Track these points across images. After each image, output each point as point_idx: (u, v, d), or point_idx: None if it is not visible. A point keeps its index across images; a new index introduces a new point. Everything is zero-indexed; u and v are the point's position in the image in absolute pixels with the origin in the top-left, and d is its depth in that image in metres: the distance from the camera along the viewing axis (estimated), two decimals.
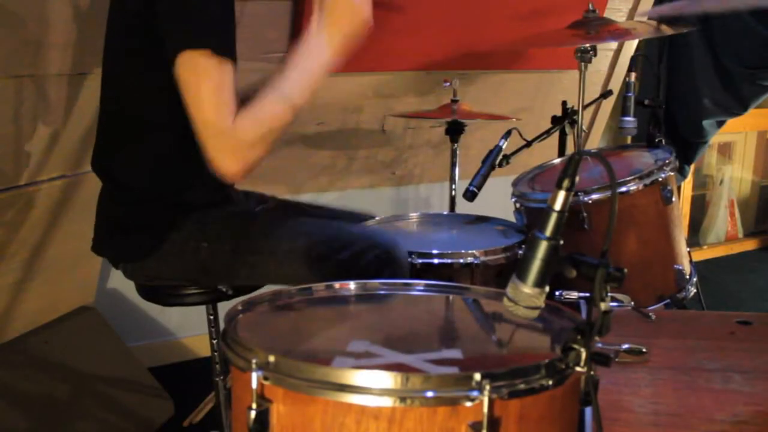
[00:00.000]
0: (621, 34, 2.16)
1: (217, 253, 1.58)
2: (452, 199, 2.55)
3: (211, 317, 1.81)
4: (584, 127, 2.34)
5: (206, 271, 1.62)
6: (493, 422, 0.84)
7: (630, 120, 2.25)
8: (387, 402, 0.84)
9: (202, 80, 1.35)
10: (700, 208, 4.41)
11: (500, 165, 2.26)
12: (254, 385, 0.88)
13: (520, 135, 2.32)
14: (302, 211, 1.93)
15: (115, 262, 1.68)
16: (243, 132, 1.37)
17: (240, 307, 1.12)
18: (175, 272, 1.62)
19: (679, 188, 3.55)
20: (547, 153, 2.47)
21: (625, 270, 0.91)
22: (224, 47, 1.37)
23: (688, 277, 2.06)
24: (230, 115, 1.36)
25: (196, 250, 1.57)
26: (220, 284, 1.69)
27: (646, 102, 2.30)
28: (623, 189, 1.93)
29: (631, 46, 3.36)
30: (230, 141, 1.36)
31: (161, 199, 1.59)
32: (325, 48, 1.41)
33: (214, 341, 1.84)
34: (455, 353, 1.01)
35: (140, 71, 1.50)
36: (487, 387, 0.83)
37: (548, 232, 0.95)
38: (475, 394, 0.83)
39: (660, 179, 1.97)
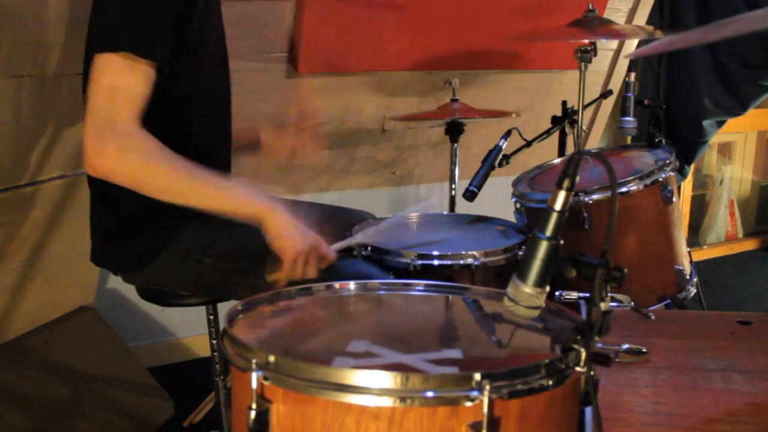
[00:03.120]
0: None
1: (220, 270, 1.56)
2: (452, 199, 2.55)
3: (211, 317, 1.81)
4: (584, 127, 2.34)
5: (205, 285, 1.61)
6: (493, 422, 0.84)
7: (630, 120, 2.25)
8: (387, 402, 0.84)
9: (105, 76, 1.34)
10: (700, 208, 4.41)
11: (500, 165, 2.26)
12: (254, 385, 0.88)
13: (520, 135, 2.32)
14: (302, 210, 1.93)
15: (114, 271, 1.68)
16: (133, 138, 1.33)
17: (240, 307, 1.12)
18: (173, 282, 1.62)
19: (679, 188, 3.55)
20: (547, 153, 2.47)
21: (625, 270, 0.91)
22: (139, 49, 1.34)
23: (688, 277, 2.06)
24: (129, 112, 1.33)
25: (198, 263, 1.56)
26: (217, 297, 1.69)
27: (646, 102, 2.30)
28: (623, 189, 1.93)
29: (631, 46, 3.35)
30: (112, 134, 1.32)
31: (154, 208, 1.57)
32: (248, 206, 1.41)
33: (214, 341, 1.84)
34: (455, 353, 1.01)
35: None
36: (487, 387, 0.83)
37: (548, 232, 0.95)
38: (475, 394, 0.83)
39: (660, 179, 1.97)
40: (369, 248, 1.79)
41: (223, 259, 1.56)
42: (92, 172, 1.35)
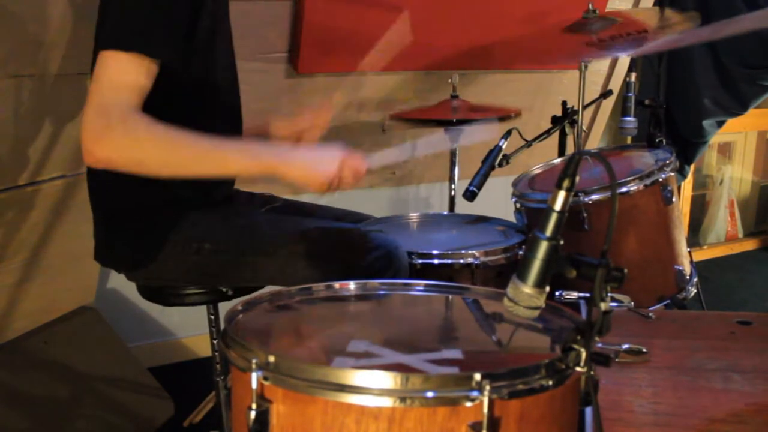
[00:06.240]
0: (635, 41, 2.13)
1: (220, 254, 1.57)
2: (452, 199, 2.55)
3: (212, 317, 1.81)
4: (584, 127, 2.34)
5: (208, 272, 1.61)
6: (493, 422, 0.84)
7: (630, 120, 2.25)
8: (387, 402, 0.84)
9: (109, 71, 1.33)
10: (700, 208, 4.41)
11: (500, 165, 2.26)
12: (254, 385, 0.88)
13: (520, 135, 2.32)
14: (305, 211, 1.93)
15: (117, 269, 1.68)
16: (133, 125, 1.32)
17: (240, 307, 1.12)
18: (176, 273, 1.62)
19: (679, 188, 3.55)
20: (547, 153, 2.47)
21: (625, 270, 0.91)
22: (145, 48, 1.35)
23: (688, 277, 2.06)
24: (130, 103, 1.32)
25: (198, 250, 1.56)
26: (222, 285, 1.69)
27: (646, 102, 2.30)
28: (623, 189, 1.93)
29: None
30: (113, 119, 1.30)
31: (156, 204, 1.57)
32: (277, 161, 1.41)
33: (214, 341, 1.84)
34: (455, 353, 1.01)
35: None
36: (487, 387, 0.83)
37: (548, 232, 0.95)
38: (475, 394, 0.83)
39: (660, 179, 1.97)
40: None
41: (223, 243, 1.57)
42: (93, 162, 1.32)
